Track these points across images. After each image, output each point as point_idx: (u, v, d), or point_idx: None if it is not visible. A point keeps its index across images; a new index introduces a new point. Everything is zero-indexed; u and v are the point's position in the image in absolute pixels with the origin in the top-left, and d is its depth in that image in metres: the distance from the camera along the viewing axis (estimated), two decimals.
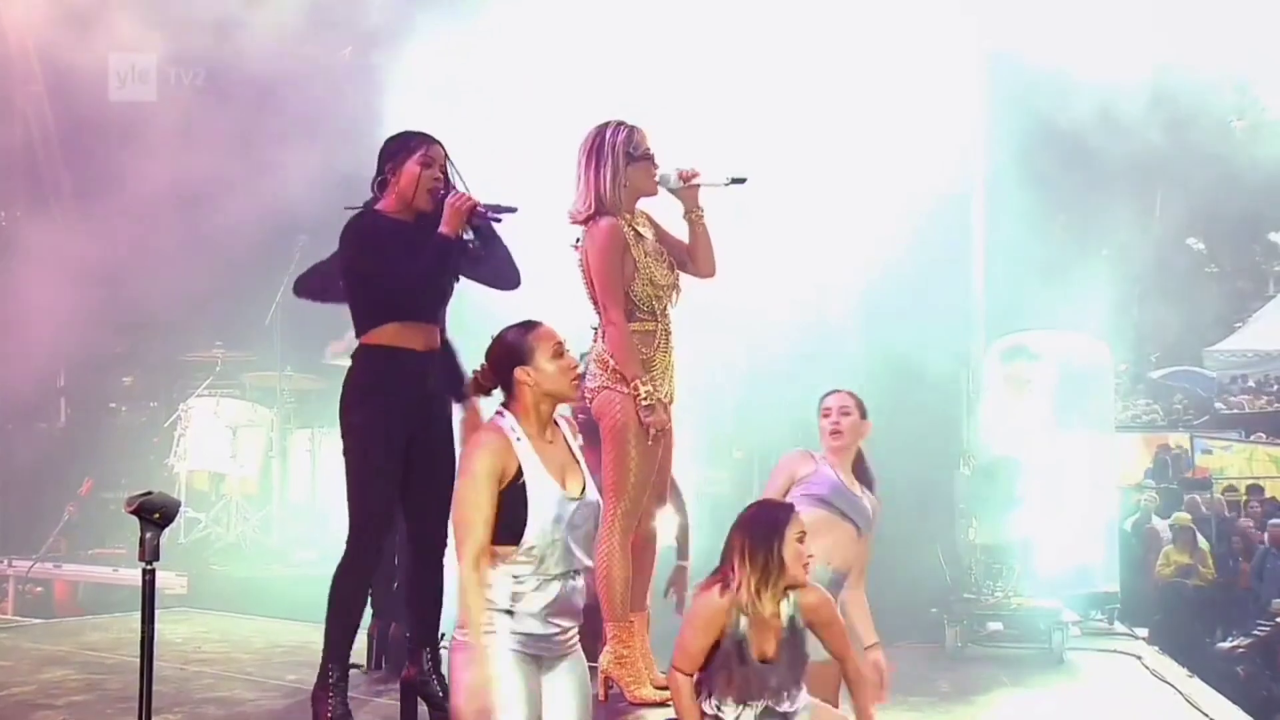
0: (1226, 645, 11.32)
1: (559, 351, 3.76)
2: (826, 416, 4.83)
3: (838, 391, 4.91)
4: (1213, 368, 20.86)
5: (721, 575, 3.89)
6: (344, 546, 4.63)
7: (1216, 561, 12.06)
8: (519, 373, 3.73)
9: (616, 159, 4.84)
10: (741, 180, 4.90)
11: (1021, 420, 8.95)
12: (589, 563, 3.77)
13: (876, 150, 8.34)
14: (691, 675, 3.91)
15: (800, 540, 3.89)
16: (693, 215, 4.98)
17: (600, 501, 3.86)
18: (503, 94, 8.14)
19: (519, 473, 3.64)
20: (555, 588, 3.67)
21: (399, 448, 4.59)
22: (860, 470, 4.87)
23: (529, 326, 3.81)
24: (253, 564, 9.41)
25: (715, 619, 3.87)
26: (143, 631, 3.67)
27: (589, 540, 3.77)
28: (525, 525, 3.61)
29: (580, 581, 3.75)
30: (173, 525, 3.89)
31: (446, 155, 4.74)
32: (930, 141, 8.47)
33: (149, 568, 3.69)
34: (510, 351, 3.76)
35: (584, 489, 3.76)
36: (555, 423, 3.81)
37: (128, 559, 9.14)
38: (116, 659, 6.09)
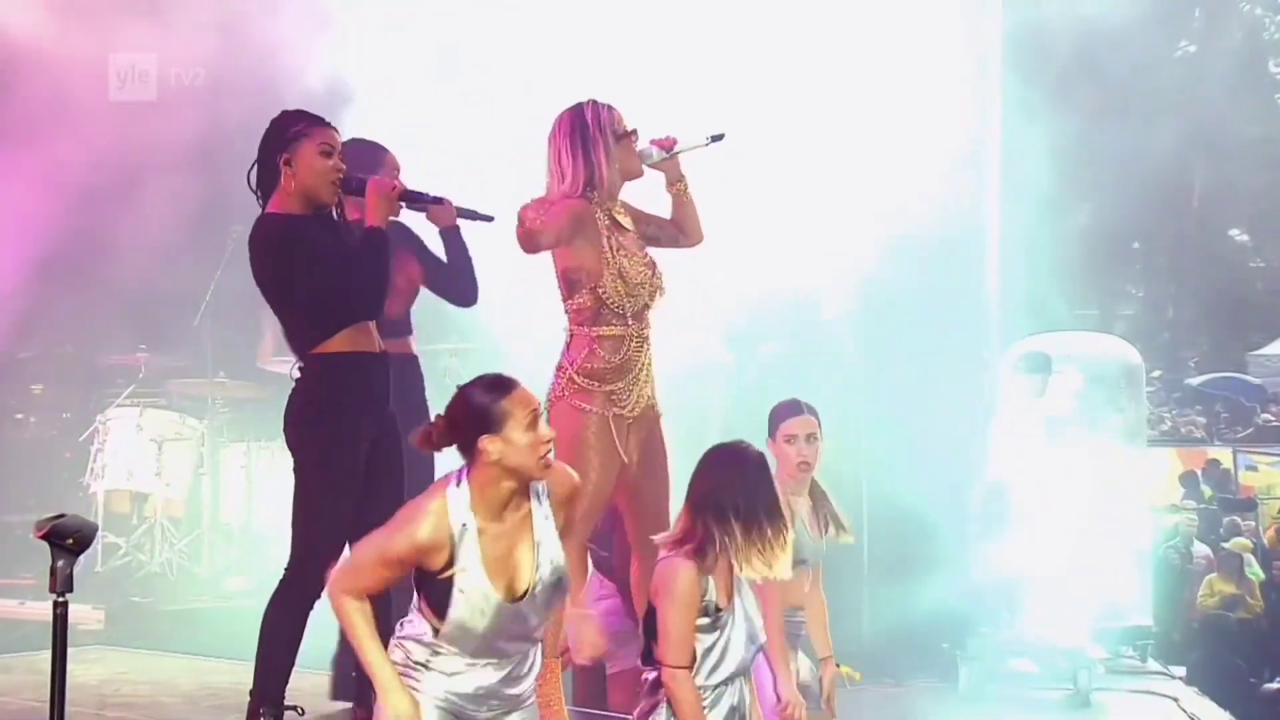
0: (1275, 686, 11.39)
1: (533, 422, 3.59)
2: (790, 442, 4.92)
3: (802, 412, 4.98)
4: (1258, 374, 20.98)
5: (695, 541, 3.94)
6: (283, 573, 4.65)
7: (1265, 592, 12.11)
8: (484, 442, 3.54)
9: (607, 138, 4.87)
10: (720, 136, 4.96)
11: (1042, 434, 9.01)
12: (527, 651, 3.72)
13: (877, 127, 8.39)
14: (691, 667, 3.94)
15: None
16: (677, 186, 5.05)
17: (565, 578, 3.76)
18: (487, 87, 8.29)
19: (450, 562, 3.54)
20: (486, 674, 3.63)
21: (360, 466, 4.63)
22: (819, 501, 5.02)
23: (503, 388, 3.60)
24: (179, 595, 9.39)
25: (695, 591, 3.92)
26: (53, 672, 3.67)
27: (533, 632, 3.70)
28: (446, 616, 3.56)
29: (523, 670, 3.69)
30: (88, 552, 3.89)
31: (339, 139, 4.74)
32: (938, 117, 8.52)
33: (61, 600, 3.69)
34: (478, 416, 3.56)
35: (532, 588, 3.62)
36: (529, 492, 3.67)
37: (37, 590, 9.10)
38: (21, 704, 6.07)
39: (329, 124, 4.75)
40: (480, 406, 3.57)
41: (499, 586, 3.57)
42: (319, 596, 4.66)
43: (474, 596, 3.54)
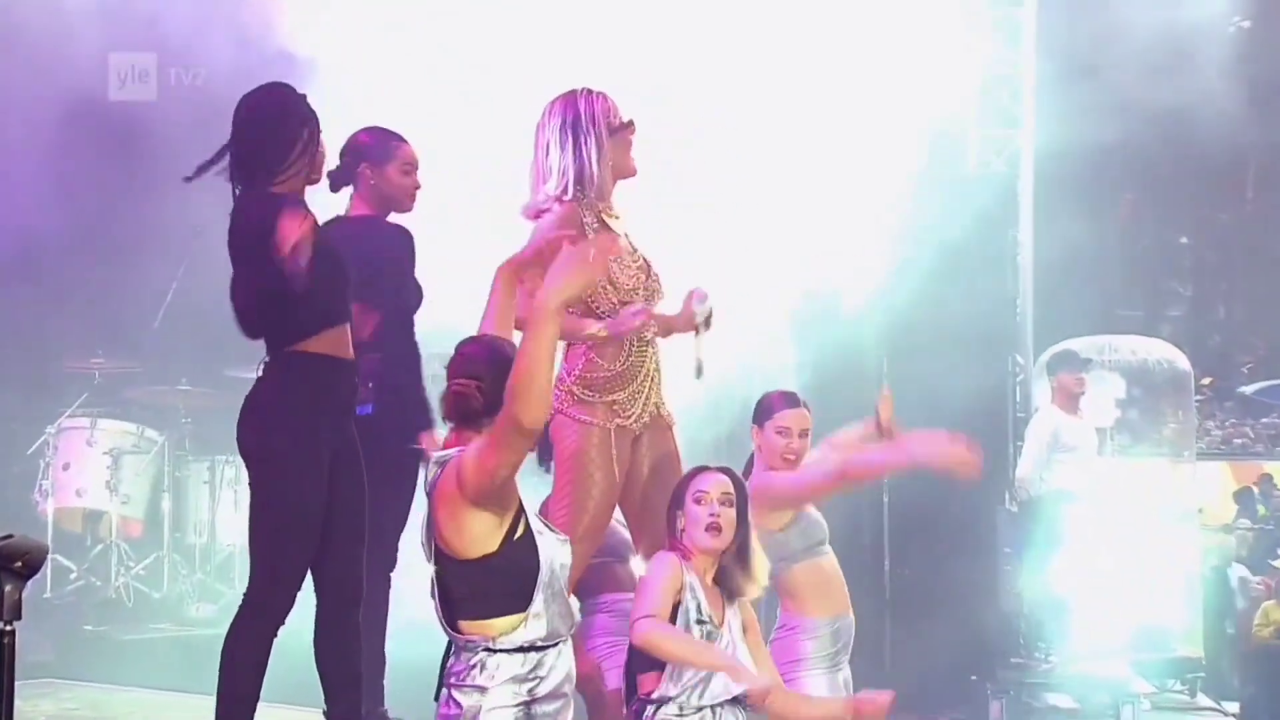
0: None
1: None
2: (783, 435, 5.15)
3: (799, 405, 5.22)
4: None
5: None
6: (243, 597, 4.67)
7: None
8: None
9: (599, 132, 4.84)
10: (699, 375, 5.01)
11: (1079, 445, 9.02)
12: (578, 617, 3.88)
13: (900, 113, 8.42)
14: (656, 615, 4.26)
15: (695, 500, 4.43)
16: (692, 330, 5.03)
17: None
18: (487, 87, 8.43)
19: (519, 514, 3.69)
20: (565, 652, 3.76)
21: (324, 478, 4.64)
22: None
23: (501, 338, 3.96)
24: (137, 623, 9.40)
25: (673, 575, 4.33)
26: None
27: (570, 584, 3.90)
28: (534, 586, 3.66)
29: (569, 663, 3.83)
30: (38, 576, 3.92)
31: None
32: (966, 98, 8.54)
33: (8, 628, 3.71)
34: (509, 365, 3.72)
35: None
36: None
37: None
38: None
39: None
40: (511, 356, 3.72)
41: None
42: (283, 622, 4.68)
43: (545, 536, 3.74)
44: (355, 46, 8.74)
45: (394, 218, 5.61)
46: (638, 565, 5.23)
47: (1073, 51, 9.47)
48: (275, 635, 4.67)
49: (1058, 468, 8.74)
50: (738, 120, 8.01)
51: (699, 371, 4.97)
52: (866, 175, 8.38)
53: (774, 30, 8.49)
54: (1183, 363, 10.33)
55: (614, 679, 5.26)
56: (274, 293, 4.63)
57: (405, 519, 5.43)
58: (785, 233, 8.37)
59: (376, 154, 5.47)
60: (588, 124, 4.85)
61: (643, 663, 4.30)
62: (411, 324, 5.69)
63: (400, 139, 5.53)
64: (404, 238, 5.57)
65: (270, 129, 4.72)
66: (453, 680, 3.73)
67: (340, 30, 8.83)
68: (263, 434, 4.68)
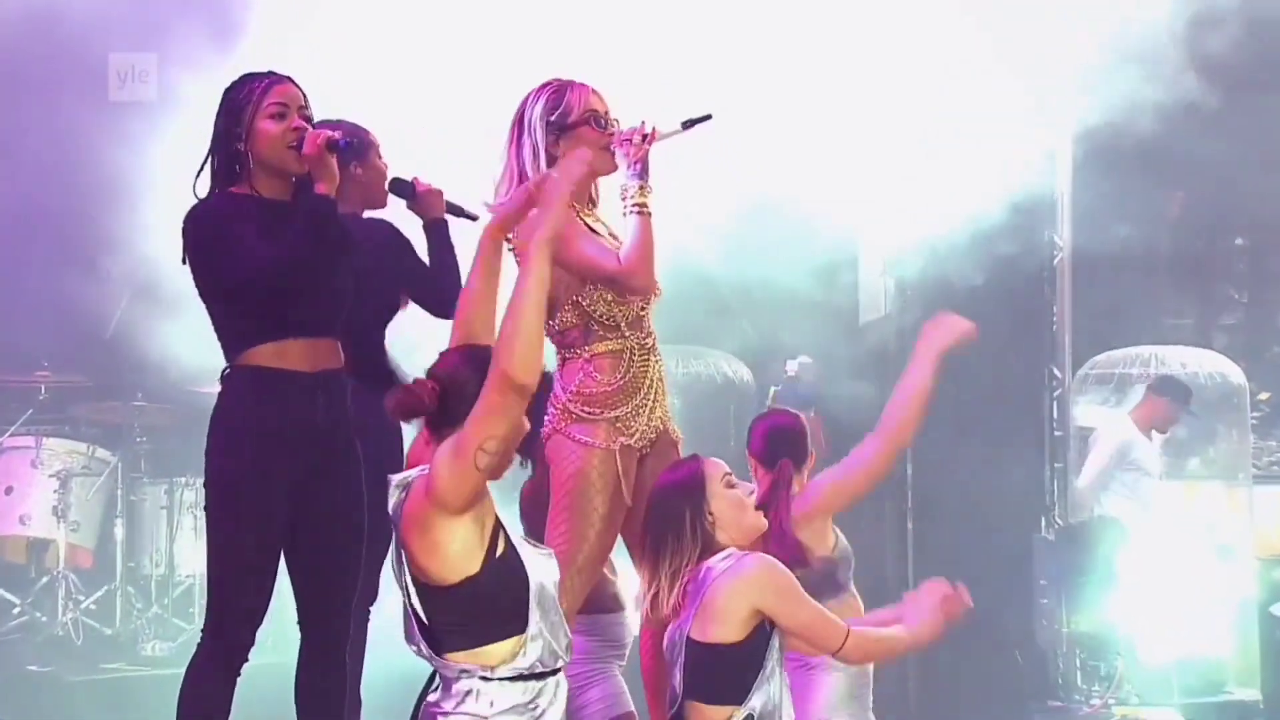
0: None
1: None
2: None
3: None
4: None
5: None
6: (200, 633, 4.69)
7: None
8: None
9: (533, 133, 4.89)
10: (702, 119, 4.94)
11: (1147, 468, 9.04)
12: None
13: (927, 105, 8.44)
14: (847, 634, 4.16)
15: (730, 485, 4.22)
16: (633, 200, 4.90)
17: None
18: (483, 86, 8.53)
19: (497, 529, 3.72)
20: (563, 685, 3.81)
21: (280, 503, 4.64)
22: None
23: None
24: (87, 662, 9.42)
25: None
26: None
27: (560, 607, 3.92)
28: (526, 606, 3.70)
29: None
30: None
31: (304, 95, 4.73)
32: (994, 83, 8.56)
33: None
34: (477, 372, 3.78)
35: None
36: None
37: None
38: None
39: (282, 77, 4.74)
40: None
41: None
42: (243, 661, 4.70)
43: (527, 550, 3.78)
44: (355, 45, 8.83)
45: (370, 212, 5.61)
46: (624, 584, 5.25)
47: (1118, 36, 9.46)
48: (237, 674, 4.69)
49: (1115, 488, 8.76)
50: (761, 114, 8.05)
51: (685, 122, 4.95)
52: (889, 172, 8.40)
53: (801, 15, 8.53)
54: (1237, 376, 10.33)
55: (595, 714, 5.24)
56: (224, 294, 4.65)
57: (388, 548, 5.44)
58: (798, 229, 8.41)
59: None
60: (527, 124, 4.92)
61: (705, 691, 4.16)
62: (382, 336, 5.70)
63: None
64: (379, 237, 5.56)
65: (224, 129, 4.71)
66: (438, 713, 3.73)
67: (340, 29, 8.94)
68: (210, 454, 4.71)
